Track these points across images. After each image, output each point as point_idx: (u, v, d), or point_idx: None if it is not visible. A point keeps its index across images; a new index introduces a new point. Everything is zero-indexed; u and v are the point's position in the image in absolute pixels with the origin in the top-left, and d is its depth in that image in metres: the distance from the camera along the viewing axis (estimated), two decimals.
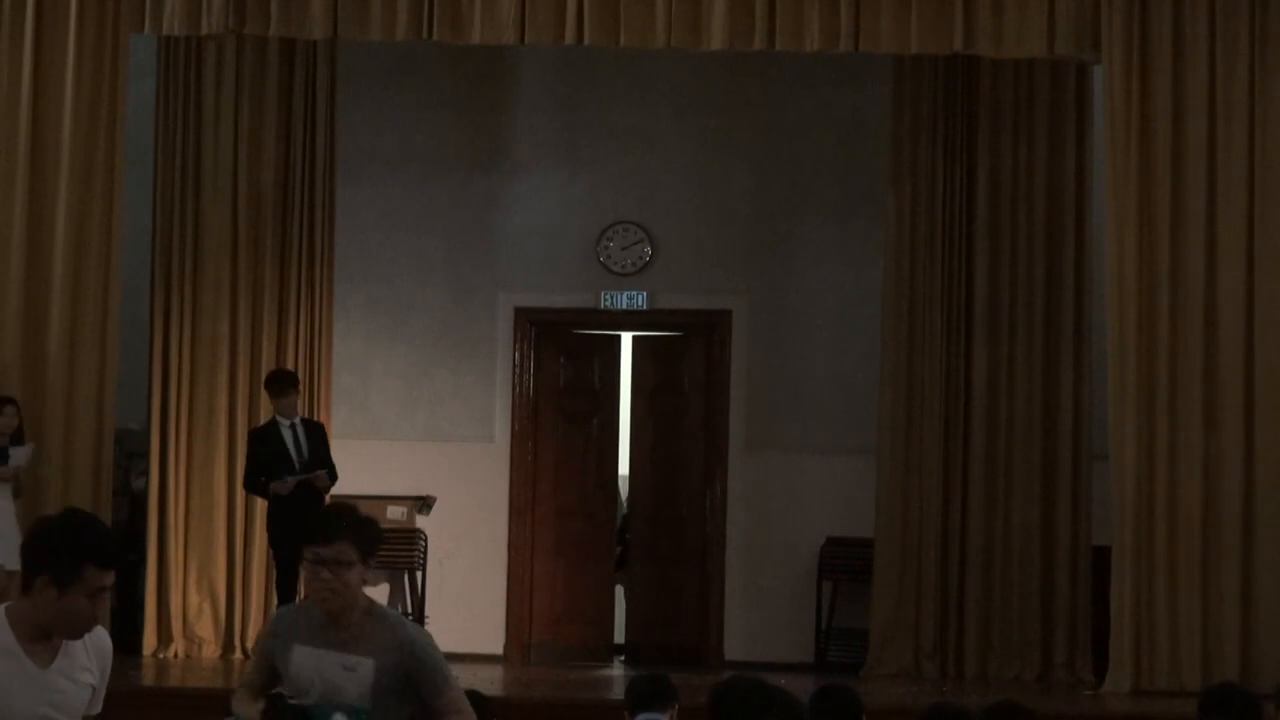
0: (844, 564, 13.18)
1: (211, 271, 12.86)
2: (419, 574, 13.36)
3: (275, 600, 11.79)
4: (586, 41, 11.29)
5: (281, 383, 11.81)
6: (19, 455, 11.29)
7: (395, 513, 13.22)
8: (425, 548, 13.36)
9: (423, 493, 13.36)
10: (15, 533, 11.09)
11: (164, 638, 12.57)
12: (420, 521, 13.38)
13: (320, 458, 11.54)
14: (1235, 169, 11.42)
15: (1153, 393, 11.38)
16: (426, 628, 13.19)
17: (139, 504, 13.08)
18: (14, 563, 11.21)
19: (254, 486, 11.70)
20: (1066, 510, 12.58)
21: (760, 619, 13.34)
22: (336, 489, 11.57)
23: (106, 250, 11.59)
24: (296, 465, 11.46)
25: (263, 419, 12.58)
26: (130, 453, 13.15)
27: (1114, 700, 11.15)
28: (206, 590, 12.58)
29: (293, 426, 11.59)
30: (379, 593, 13.40)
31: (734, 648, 13.34)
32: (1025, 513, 12.59)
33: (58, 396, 11.48)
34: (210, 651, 12.49)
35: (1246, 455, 11.33)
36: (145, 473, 12.90)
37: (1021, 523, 12.58)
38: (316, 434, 11.71)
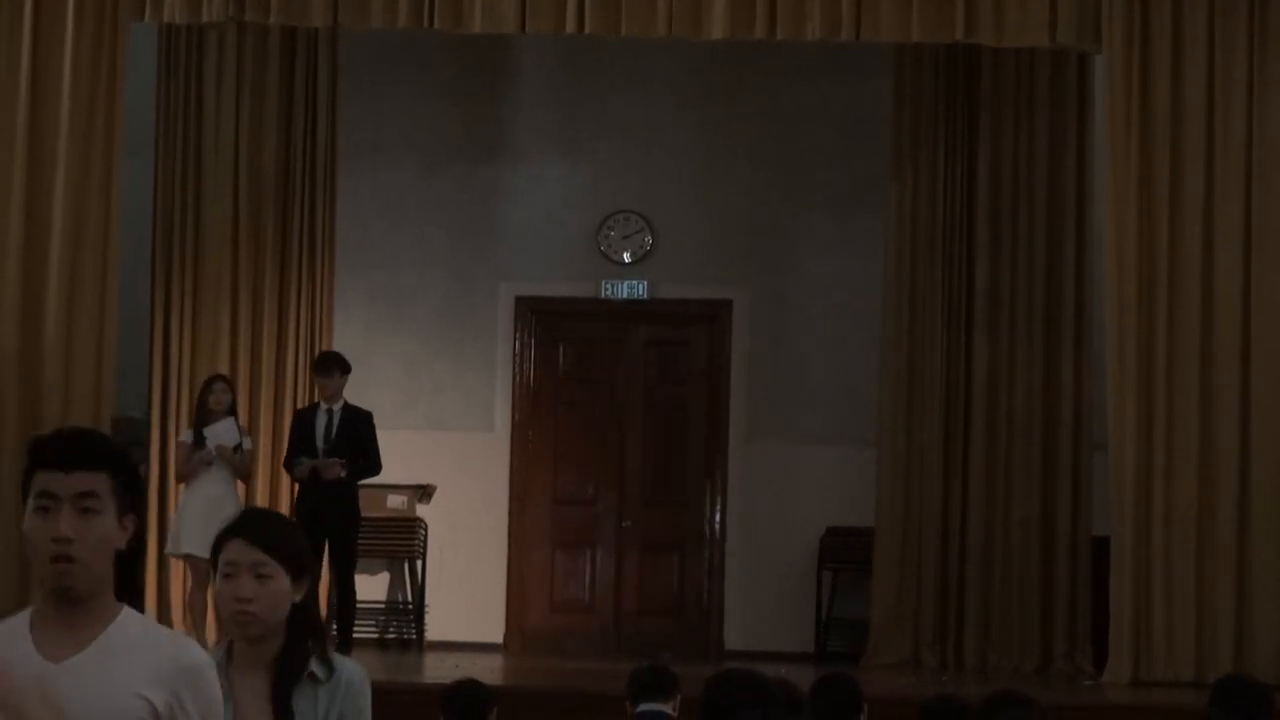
0: (844, 554, 13.18)
1: (212, 261, 12.86)
2: (419, 563, 13.37)
3: None
4: (587, 31, 11.28)
5: (321, 364, 11.79)
6: (216, 434, 11.28)
7: (396, 502, 13.22)
8: (425, 537, 13.37)
9: (423, 482, 13.35)
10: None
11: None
12: (421, 510, 13.38)
13: (346, 448, 11.44)
14: (1234, 160, 11.40)
15: (1151, 385, 11.37)
16: (427, 617, 13.33)
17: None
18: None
19: (286, 467, 11.74)
20: (1066, 501, 12.58)
21: (760, 609, 13.35)
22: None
23: (104, 239, 11.57)
24: (319, 453, 11.44)
25: (261, 408, 12.61)
26: (131, 441, 13.12)
27: (1113, 691, 11.15)
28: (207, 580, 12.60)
29: (329, 412, 11.55)
30: (379, 581, 13.43)
31: (734, 637, 13.35)
32: (1025, 504, 12.59)
33: (56, 385, 11.46)
34: (207, 639, 12.50)
35: (1243, 448, 11.32)
36: (145, 461, 12.90)
37: (1021, 514, 12.58)
38: (353, 423, 11.53)
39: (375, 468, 11.59)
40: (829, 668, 9.58)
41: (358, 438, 11.50)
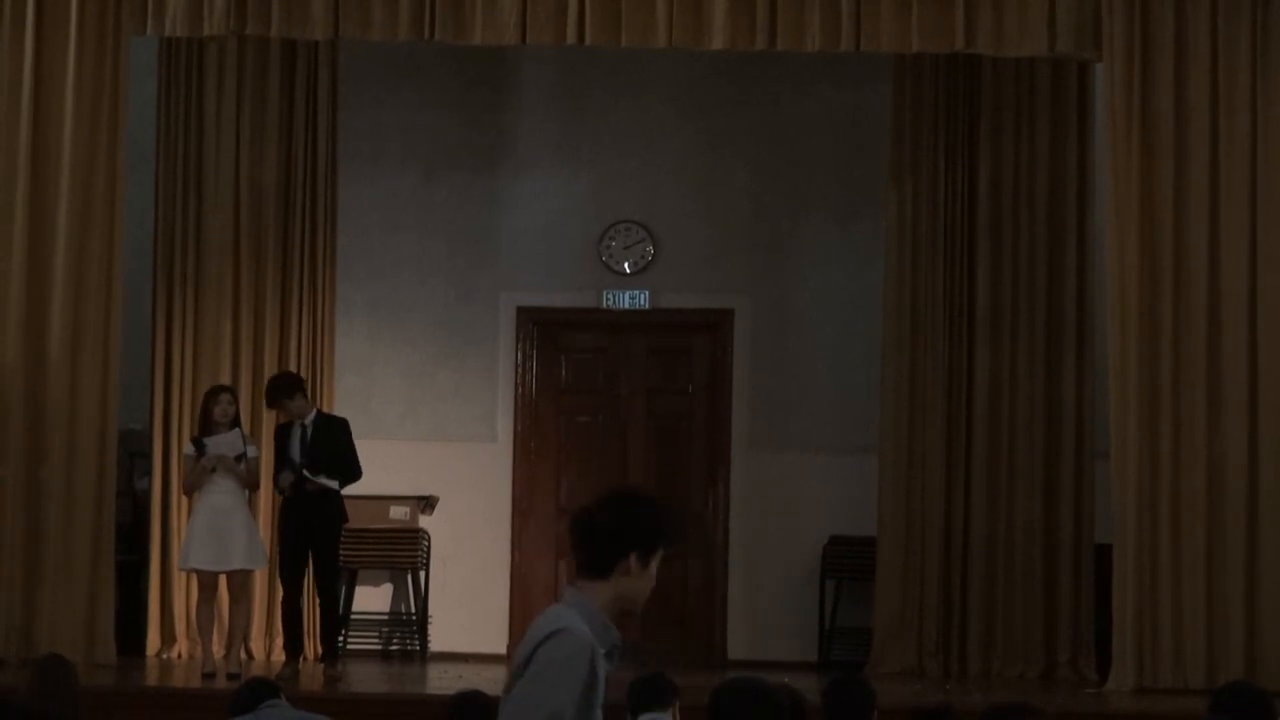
0: (847, 562, 13.18)
1: (214, 272, 12.87)
2: (422, 574, 13.36)
3: (280, 596, 11.78)
4: (588, 42, 11.30)
5: (269, 397, 11.70)
6: (217, 445, 11.26)
7: (398, 513, 13.22)
8: (428, 548, 13.36)
9: (425, 492, 13.36)
10: (246, 530, 11.23)
11: (167, 638, 12.58)
12: (423, 521, 13.38)
13: (324, 456, 11.43)
14: (1237, 167, 11.41)
15: (1155, 390, 11.37)
16: (430, 628, 13.32)
17: (142, 504, 13.09)
18: (251, 563, 11.30)
19: (274, 483, 11.73)
20: (1069, 508, 12.58)
21: (763, 618, 13.35)
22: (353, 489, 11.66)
23: (108, 251, 11.59)
24: (298, 466, 11.44)
25: (264, 419, 12.60)
26: (133, 453, 13.16)
27: (1117, 698, 11.15)
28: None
29: (303, 426, 11.53)
30: (382, 593, 13.43)
31: (737, 647, 13.35)
32: (1028, 511, 12.59)
33: (60, 398, 11.47)
34: (214, 652, 12.48)
35: (1250, 452, 11.33)
36: (148, 473, 12.91)
37: (1024, 521, 12.58)
38: (328, 430, 11.53)
39: (354, 472, 11.53)
40: (833, 677, 9.56)
41: (334, 444, 11.48)
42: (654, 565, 4.44)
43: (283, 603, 11.64)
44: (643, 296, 13.59)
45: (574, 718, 4.22)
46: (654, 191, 13.62)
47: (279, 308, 12.94)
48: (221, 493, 11.23)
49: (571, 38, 11.22)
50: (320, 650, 11.78)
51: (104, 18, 11.52)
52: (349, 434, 11.62)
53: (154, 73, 12.86)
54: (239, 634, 11.56)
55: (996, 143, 12.82)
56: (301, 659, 11.66)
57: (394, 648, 13.38)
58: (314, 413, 11.64)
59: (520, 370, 13.66)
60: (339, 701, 9.94)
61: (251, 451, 11.41)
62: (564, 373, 13.77)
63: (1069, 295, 12.71)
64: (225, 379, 12.52)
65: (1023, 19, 11.24)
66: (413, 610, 13.41)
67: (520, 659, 4.35)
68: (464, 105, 13.67)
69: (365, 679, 11.95)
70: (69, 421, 11.48)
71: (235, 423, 11.42)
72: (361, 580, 13.28)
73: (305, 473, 11.32)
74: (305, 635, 11.82)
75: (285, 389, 11.58)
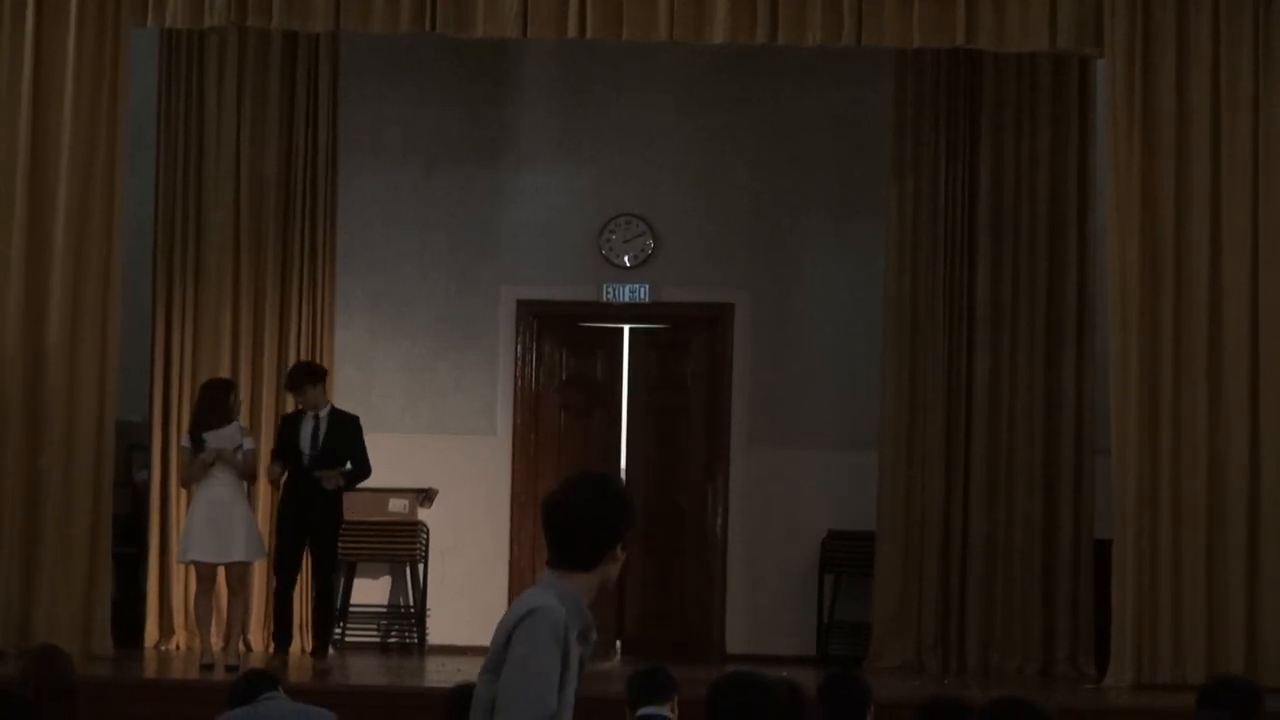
0: (846, 557, 13.19)
1: (214, 264, 12.86)
2: (421, 567, 13.37)
3: (274, 587, 11.79)
4: (589, 35, 11.29)
5: (292, 379, 11.77)
6: (218, 438, 11.25)
7: (397, 505, 13.23)
8: (427, 540, 13.37)
9: (425, 485, 13.36)
10: (245, 522, 11.20)
11: (165, 630, 12.59)
12: (422, 514, 13.39)
13: (335, 455, 11.42)
14: (1238, 164, 11.40)
15: (1155, 387, 11.37)
16: (429, 621, 13.32)
17: (140, 496, 13.09)
18: (251, 555, 11.30)
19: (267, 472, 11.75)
20: (1068, 504, 12.59)
21: (762, 612, 13.35)
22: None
23: (107, 243, 11.58)
24: (305, 458, 11.44)
25: (263, 413, 12.61)
26: (132, 445, 13.16)
27: (1115, 694, 11.16)
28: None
29: (316, 418, 11.52)
30: (381, 586, 13.43)
31: (735, 641, 13.35)
32: (1027, 507, 12.59)
33: (59, 388, 11.47)
34: (212, 644, 12.48)
35: (1251, 448, 11.33)
36: (147, 465, 12.91)
37: (1023, 517, 12.59)
38: (340, 429, 11.52)
39: (365, 472, 11.57)
40: (830, 671, 9.56)
41: (346, 442, 11.48)
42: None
43: (275, 594, 11.65)
44: (643, 290, 13.59)
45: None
46: (654, 186, 13.61)
47: (279, 301, 12.94)
48: (221, 485, 11.22)
49: (573, 31, 11.21)
50: (313, 643, 11.78)
51: (104, 9, 11.51)
52: (361, 431, 11.63)
53: (155, 64, 12.85)
54: (237, 626, 11.57)
55: (997, 139, 12.81)
56: (296, 651, 11.67)
57: (392, 640, 13.39)
58: (329, 407, 11.64)
59: (520, 364, 13.66)
60: (337, 694, 9.94)
61: (249, 444, 11.41)
62: (564, 366, 13.78)
63: (1069, 292, 12.71)
64: (225, 371, 12.53)
65: (1024, 15, 11.23)
66: (411, 603, 13.42)
67: (499, 640, 4.38)
68: (465, 99, 13.66)
69: (363, 671, 11.95)
70: (67, 411, 11.48)
71: (235, 415, 11.43)
72: (360, 573, 13.28)
73: (307, 465, 11.31)
74: (296, 628, 11.83)
75: (310, 376, 11.67)
